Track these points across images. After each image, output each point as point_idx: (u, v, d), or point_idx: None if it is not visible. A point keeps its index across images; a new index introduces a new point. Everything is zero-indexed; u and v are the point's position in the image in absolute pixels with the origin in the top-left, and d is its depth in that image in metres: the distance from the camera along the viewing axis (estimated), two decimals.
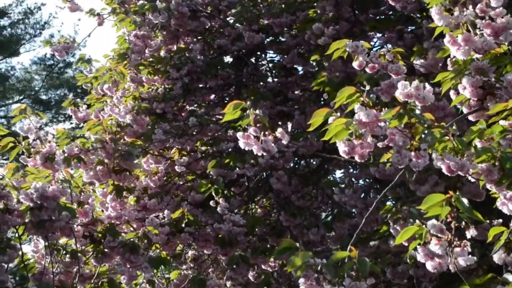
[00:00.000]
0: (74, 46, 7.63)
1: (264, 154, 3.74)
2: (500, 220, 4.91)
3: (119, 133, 6.70)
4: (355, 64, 4.36)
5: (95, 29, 8.01)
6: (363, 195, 6.82)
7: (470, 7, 3.98)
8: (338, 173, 8.90)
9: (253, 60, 8.13)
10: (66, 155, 5.73)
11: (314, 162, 8.53)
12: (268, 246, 6.87)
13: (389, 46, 6.57)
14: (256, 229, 6.78)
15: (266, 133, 3.76)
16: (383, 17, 7.27)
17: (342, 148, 3.63)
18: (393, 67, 4.39)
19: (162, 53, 7.61)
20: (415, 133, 3.65)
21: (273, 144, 3.74)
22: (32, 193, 5.08)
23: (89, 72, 7.69)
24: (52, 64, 22.36)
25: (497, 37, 3.89)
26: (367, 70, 4.38)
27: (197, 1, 7.55)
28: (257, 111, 3.71)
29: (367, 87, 3.68)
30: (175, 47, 7.79)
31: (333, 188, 7.08)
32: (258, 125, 3.69)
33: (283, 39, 7.41)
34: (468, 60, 4.12)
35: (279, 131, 3.75)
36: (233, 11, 7.82)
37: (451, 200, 3.25)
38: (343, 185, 7.47)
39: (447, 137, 3.56)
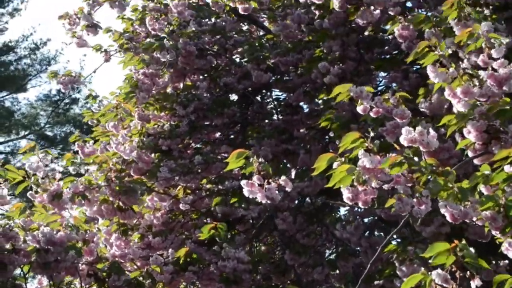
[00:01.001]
0: (79, 80, 7.70)
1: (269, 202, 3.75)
2: (506, 261, 4.91)
3: (124, 170, 6.73)
4: (359, 109, 4.40)
5: (101, 65, 8.06)
6: (367, 233, 6.80)
7: (465, 60, 4.05)
8: (343, 210, 8.88)
9: (258, 98, 8.17)
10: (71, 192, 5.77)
11: (319, 200, 8.51)
12: (273, 284, 6.84)
13: (394, 85, 6.64)
14: (260, 267, 6.75)
15: (270, 180, 3.77)
16: (388, 56, 7.32)
17: (346, 194, 3.64)
18: (397, 111, 4.43)
19: (168, 90, 7.67)
20: (418, 179, 3.67)
21: (277, 192, 3.76)
22: (39, 236, 5.11)
23: (96, 109, 7.74)
24: (58, 100, 22.47)
25: (501, 87, 3.94)
26: (372, 114, 4.42)
27: (204, 40, 7.61)
28: (260, 159, 3.72)
29: (371, 133, 3.70)
30: (181, 85, 7.84)
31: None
32: (262, 172, 3.71)
33: (289, 78, 7.45)
34: (473, 105, 4.16)
35: (282, 179, 3.77)
36: (239, 49, 7.89)
37: (456, 249, 3.25)
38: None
39: (450, 185, 3.57)
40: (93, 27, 7.43)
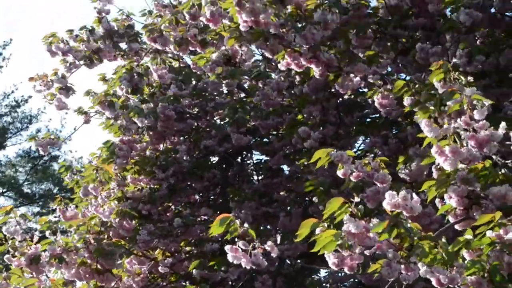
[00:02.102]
0: (58, 142, 7.68)
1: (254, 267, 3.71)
2: None
3: (103, 232, 6.67)
4: (339, 173, 4.44)
5: (81, 126, 8.07)
6: None
7: (458, 119, 4.09)
8: (323, 272, 8.84)
9: (239, 159, 8.19)
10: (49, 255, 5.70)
11: (299, 262, 8.47)
12: None
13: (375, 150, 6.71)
14: None
15: (255, 245, 3.75)
16: (368, 119, 7.41)
17: (331, 260, 3.63)
18: (378, 175, 4.47)
19: (148, 153, 7.66)
20: (404, 244, 3.67)
21: (262, 258, 3.73)
22: None
23: (75, 173, 7.71)
24: (37, 157, 22.36)
25: (482, 149, 3.98)
26: (352, 178, 4.45)
27: (183, 103, 7.65)
28: (245, 224, 3.71)
29: (356, 199, 3.72)
30: (161, 147, 7.85)
31: None
32: (246, 238, 3.69)
33: (269, 141, 7.50)
34: (454, 170, 4.20)
35: (269, 244, 3.74)
36: (220, 111, 7.94)
37: None
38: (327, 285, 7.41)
39: (436, 250, 3.58)
40: (66, 90, 7.41)
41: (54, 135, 7.78)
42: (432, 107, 4.25)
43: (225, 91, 7.99)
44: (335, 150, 4.53)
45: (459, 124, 4.03)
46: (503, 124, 4.02)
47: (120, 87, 7.44)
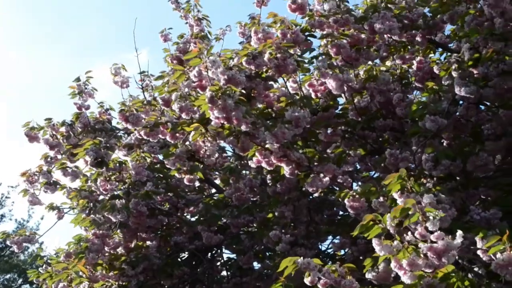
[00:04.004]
0: (34, 239, 7.63)
1: None
2: None
3: None
4: (307, 281, 4.45)
5: (55, 224, 7.96)
6: None
7: (409, 233, 4.17)
8: None
9: (209, 256, 8.15)
10: None
11: None
12: None
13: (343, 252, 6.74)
14: None
15: None
16: (339, 217, 7.45)
17: None
18: (346, 282, 4.49)
19: (119, 249, 7.60)
20: None
21: None
22: None
23: (43, 269, 7.59)
24: (2, 247, 22.01)
25: (440, 259, 4.04)
26: (320, 286, 4.46)
27: (155, 199, 7.65)
28: None
29: None
30: (132, 244, 7.78)
31: None
32: None
33: (240, 239, 7.49)
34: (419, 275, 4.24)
35: None
36: (191, 208, 7.95)
37: None
38: None
39: None
40: (51, 185, 7.43)
41: (31, 232, 7.73)
42: (381, 226, 4.32)
43: (196, 187, 8.02)
44: (305, 251, 4.55)
45: (411, 237, 4.11)
46: (459, 233, 4.12)
47: (85, 159, 7.44)
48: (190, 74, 5.90)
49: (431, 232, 4.09)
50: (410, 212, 4.24)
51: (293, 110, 5.82)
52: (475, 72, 5.71)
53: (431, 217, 4.15)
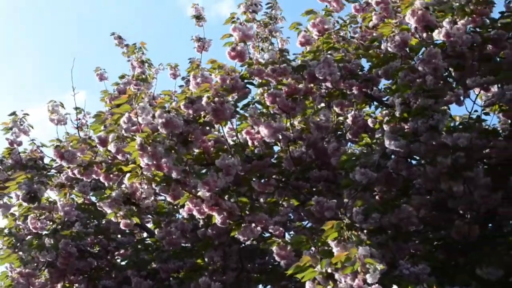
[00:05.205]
0: None
1: None
2: None
3: None
4: None
5: None
6: None
7: (343, 281, 4.15)
8: None
9: None
10: None
11: None
12: None
13: None
14: None
15: None
16: (270, 266, 7.42)
17: None
18: None
19: None
20: None
21: None
22: None
23: None
24: None
25: None
26: None
27: (86, 240, 7.51)
28: None
29: None
30: (60, 286, 7.58)
31: None
32: None
33: (169, 285, 7.37)
34: None
35: None
36: (121, 251, 7.81)
37: None
38: None
39: None
40: None
41: None
42: (316, 270, 4.31)
43: (127, 230, 7.89)
44: None
45: (344, 285, 4.10)
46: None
47: (16, 194, 7.27)
48: (120, 121, 5.84)
49: (368, 284, 4.08)
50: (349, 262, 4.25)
51: (223, 158, 5.81)
52: (406, 126, 5.81)
53: (371, 269, 4.15)
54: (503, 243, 6.25)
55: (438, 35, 5.79)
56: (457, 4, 5.93)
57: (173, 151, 5.61)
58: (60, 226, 7.52)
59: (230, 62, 6.43)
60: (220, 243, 6.91)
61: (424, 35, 6.01)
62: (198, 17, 8.63)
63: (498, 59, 6.21)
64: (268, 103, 6.38)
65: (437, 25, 5.86)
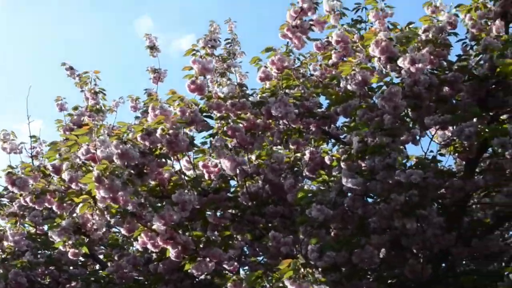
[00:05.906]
0: None
1: None
2: None
3: None
4: None
5: None
6: None
7: None
8: None
9: None
10: None
11: None
12: None
13: None
14: None
15: None
16: None
17: None
18: None
19: None
20: None
21: None
22: None
23: None
24: None
25: None
26: None
27: (36, 271, 7.34)
28: None
29: None
30: None
31: None
32: None
33: None
34: None
35: None
36: (73, 283, 7.65)
37: None
38: None
39: None
40: None
41: None
42: None
43: (79, 262, 7.75)
44: None
45: None
46: None
47: None
48: (78, 152, 5.77)
49: None
50: None
51: (180, 193, 5.77)
52: (363, 164, 5.84)
53: None
54: (455, 283, 6.29)
55: (402, 62, 5.83)
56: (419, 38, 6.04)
57: (130, 184, 5.54)
58: (9, 256, 7.38)
59: (189, 94, 6.42)
60: (172, 279, 6.80)
61: (388, 66, 6.08)
62: (152, 48, 8.66)
63: (454, 101, 6.31)
64: (228, 137, 6.37)
65: (400, 56, 5.92)
